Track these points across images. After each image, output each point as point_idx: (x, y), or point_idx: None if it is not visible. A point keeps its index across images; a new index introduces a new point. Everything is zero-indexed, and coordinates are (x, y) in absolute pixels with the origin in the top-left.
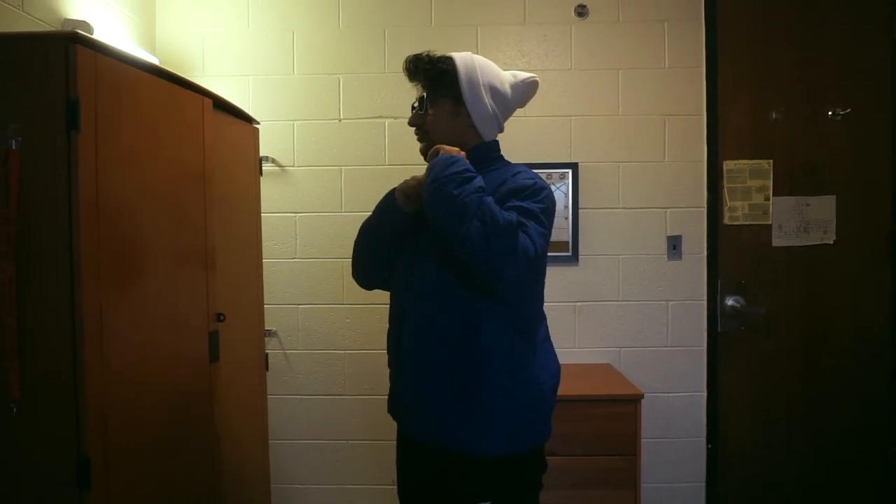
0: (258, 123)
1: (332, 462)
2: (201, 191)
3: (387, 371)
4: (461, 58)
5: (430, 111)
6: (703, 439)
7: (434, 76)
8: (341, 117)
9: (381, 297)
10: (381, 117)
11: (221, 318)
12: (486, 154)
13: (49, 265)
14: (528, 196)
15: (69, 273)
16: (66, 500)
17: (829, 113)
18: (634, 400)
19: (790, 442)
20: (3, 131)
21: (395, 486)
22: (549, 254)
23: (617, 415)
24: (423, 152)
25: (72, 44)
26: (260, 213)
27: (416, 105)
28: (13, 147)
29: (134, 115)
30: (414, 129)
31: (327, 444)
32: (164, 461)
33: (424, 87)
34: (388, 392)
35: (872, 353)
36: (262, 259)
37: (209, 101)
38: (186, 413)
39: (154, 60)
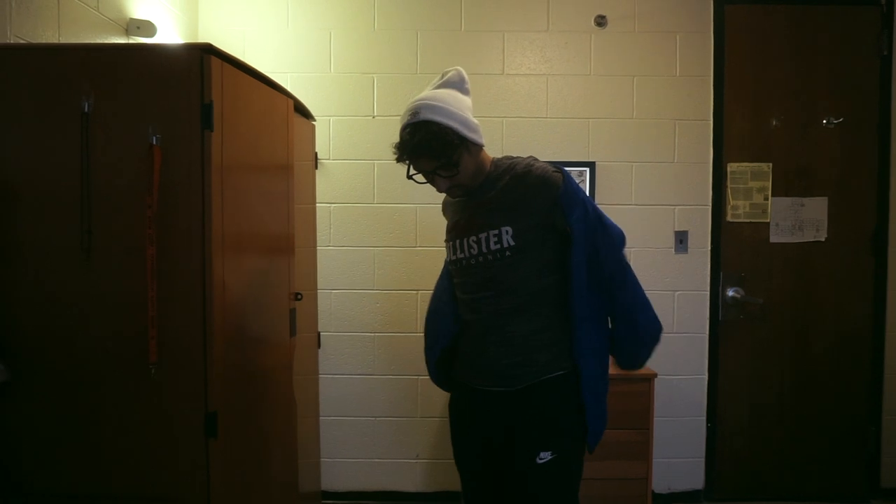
0: (315, 120)
1: (362, 436)
2: (286, 183)
3: (413, 353)
4: (436, 113)
5: (458, 172)
6: (704, 418)
7: (441, 148)
8: (375, 114)
9: (409, 284)
10: None
11: (299, 296)
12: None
13: (184, 246)
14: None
15: (201, 253)
16: (196, 448)
17: (823, 122)
18: (648, 379)
19: (781, 421)
20: (146, 129)
21: (418, 460)
22: None
23: (632, 392)
24: (461, 196)
25: (206, 54)
26: (315, 203)
27: (411, 174)
28: (154, 143)
29: (245, 116)
30: (447, 192)
31: (357, 420)
32: (260, 419)
33: (435, 161)
34: (415, 372)
35: (856, 340)
36: (316, 246)
37: (291, 102)
38: (273, 380)
39: None
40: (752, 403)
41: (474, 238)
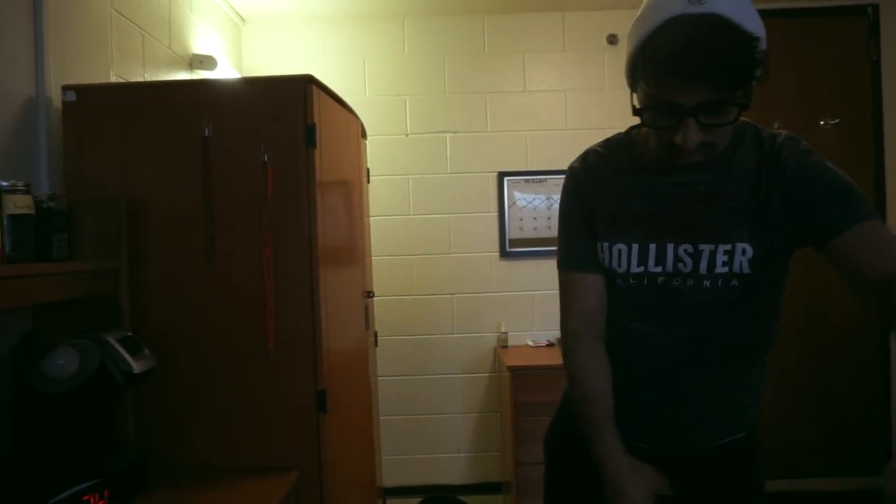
0: (366, 139)
1: (405, 433)
2: (360, 195)
3: (448, 354)
4: (738, 4)
5: (745, 107)
6: None
7: (745, 63)
8: (408, 132)
9: (445, 289)
10: (443, 132)
11: (371, 294)
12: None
13: (295, 247)
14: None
15: (309, 253)
16: (309, 421)
17: (822, 123)
18: None
19: (799, 404)
20: (259, 149)
21: (459, 455)
22: None
23: None
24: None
25: (308, 84)
26: (368, 216)
27: (672, 125)
28: (266, 161)
29: (332, 136)
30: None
31: (400, 418)
32: (350, 400)
33: (731, 85)
34: (452, 371)
35: (863, 326)
36: (370, 254)
37: (360, 123)
38: (355, 369)
39: None
40: (771, 388)
41: (689, 248)
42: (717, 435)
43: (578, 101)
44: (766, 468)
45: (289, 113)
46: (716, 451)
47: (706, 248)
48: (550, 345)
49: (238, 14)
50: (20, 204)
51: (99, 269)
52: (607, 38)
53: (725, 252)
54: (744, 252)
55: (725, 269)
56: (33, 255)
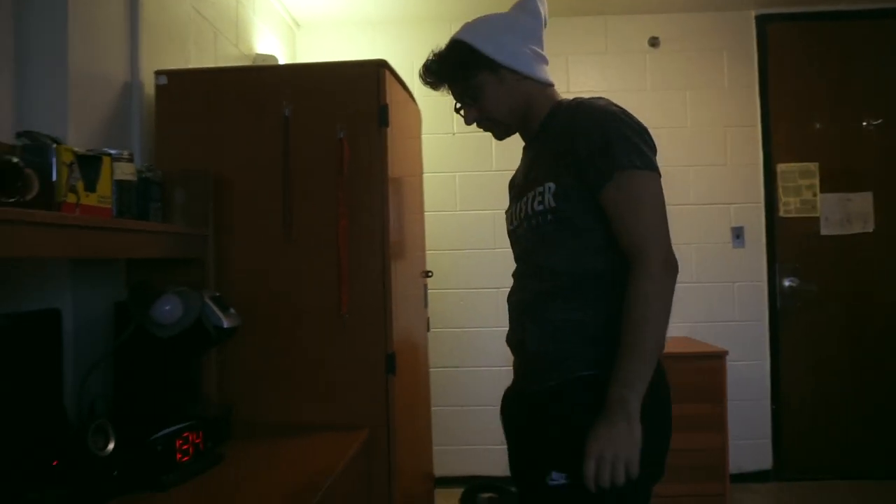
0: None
1: (451, 425)
2: (419, 180)
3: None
4: (463, 31)
5: (482, 99)
6: (768, 401)
7: (455, 67)
8: (455, 132)
9: (490, 283)
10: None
11: (429, 274)
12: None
13: (369, 218)
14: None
15: (380, 225)
16: (379, 382)
17: (864, 123)
18: (720, 356)
19: (842, 402)
20: (335, 128)
21: (503, 446)
22: None
23: (705, 369)
24: (502, 137)
25: (382, 68)
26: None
27: (458, 108)
28: (341, 137)
29: (400, 120)
30: (477, 125)
31: (446, 409)
32: (413, 365)
33: (456, 85)
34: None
35: None
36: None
37: (420, 113)
38: (416, 341)
39: None
40: (813, 385)
41: (523, 200)
42: (547, 377)
43: (620, 102)
44: (807, 468)
45: (363, 94)
46: (550, 392)
47: (529, 195)
48: None
49: (293, 18)
50: (125, 171)
51: (190, 233)
52: (649, 40)
53: (539, 193)
54: (550, 189)
55: (541, 208)
56: (135, 218)
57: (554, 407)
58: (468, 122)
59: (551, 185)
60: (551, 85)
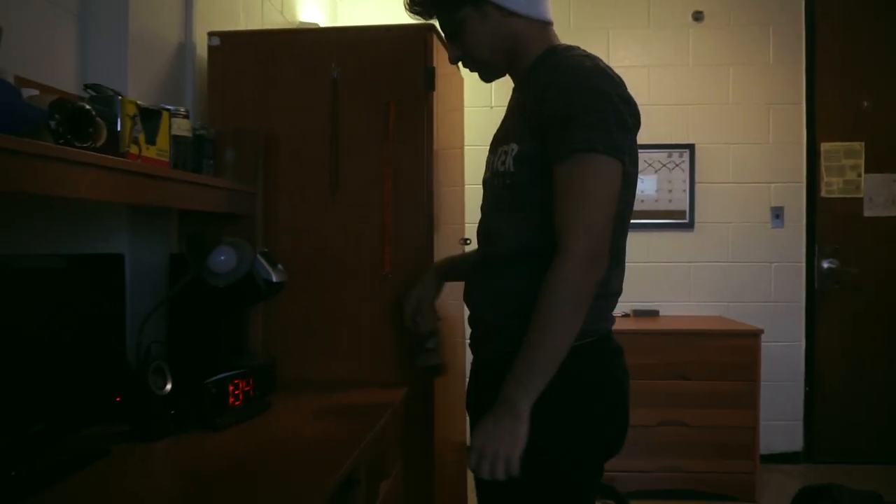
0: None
1: None
2: (461, 158)
3: None
4: None
5: (463, 35)
6: (802, 383)
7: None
8: (492, 105)
9: None
10: None
11: (467, 241)
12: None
13: (413, 179)
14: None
15: (424, 186)
16: None
17: None
18: (755, 334)
19: (877, 387)
20: (381, 90)
21: None
22: (667, 221)
23: (739, 347)
24: (488, 79)
25: (429, 32)
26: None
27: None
28: (388, 100)
29: (443, 88)
30: (463, 65)
31: None
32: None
33: (441, 17)
34: None
35: None
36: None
37: (463, 82)
38: (453, 308)
39: None
40: (848, 369)
41: (496, 151)
42: (484, 346)
43: (661, 77)
44: (839, 451)
45: (410, 58)
46: (483, 362)
47: (499, 150)
48: (626, 315)
49: None
50: (182, 127)
51: (241, 189)
52: (693, 14)
53: (503, 153)
54: (512, 151)
55: (503, 169)
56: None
57: (486, 373)
58: (451, 61)
59: (514, 146)
60: (549, 23)
